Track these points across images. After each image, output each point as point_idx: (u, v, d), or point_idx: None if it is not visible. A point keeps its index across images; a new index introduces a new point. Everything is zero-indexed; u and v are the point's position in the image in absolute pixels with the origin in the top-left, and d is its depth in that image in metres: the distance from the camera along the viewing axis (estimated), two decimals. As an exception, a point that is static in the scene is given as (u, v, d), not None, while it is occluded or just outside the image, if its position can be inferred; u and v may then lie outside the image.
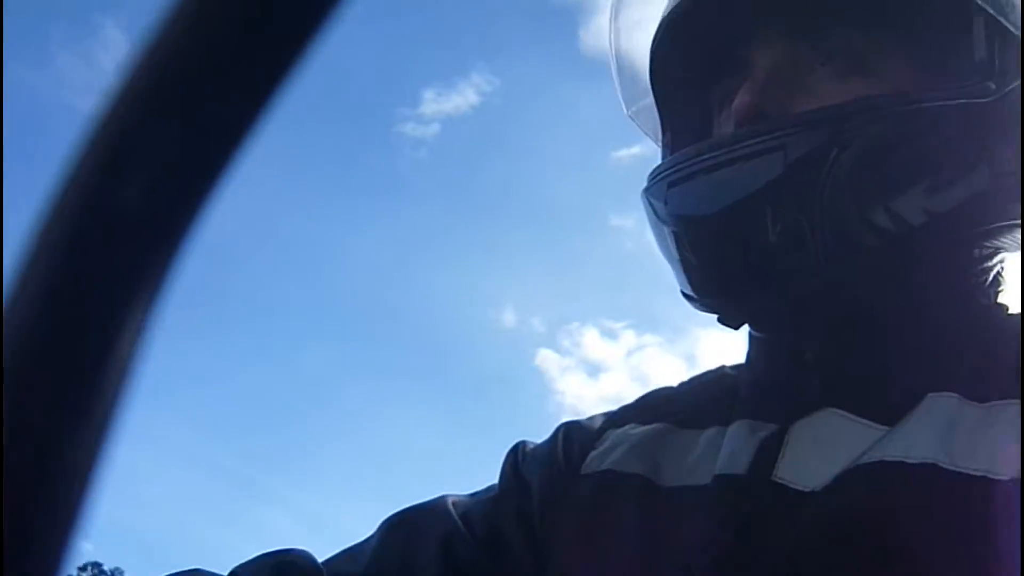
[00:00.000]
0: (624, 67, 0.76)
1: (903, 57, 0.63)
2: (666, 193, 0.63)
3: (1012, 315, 0.63)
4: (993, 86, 0.60)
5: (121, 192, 0.17)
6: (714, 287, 0.63)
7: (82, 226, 0.16)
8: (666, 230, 0.64)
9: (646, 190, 0.66)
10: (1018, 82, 0.62)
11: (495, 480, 0.76)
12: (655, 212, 0.65)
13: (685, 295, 0.66)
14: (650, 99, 0.73)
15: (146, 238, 0.17)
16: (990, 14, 0.61)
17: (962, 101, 0.59)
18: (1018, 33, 0.62)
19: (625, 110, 0.77)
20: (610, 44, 0.76)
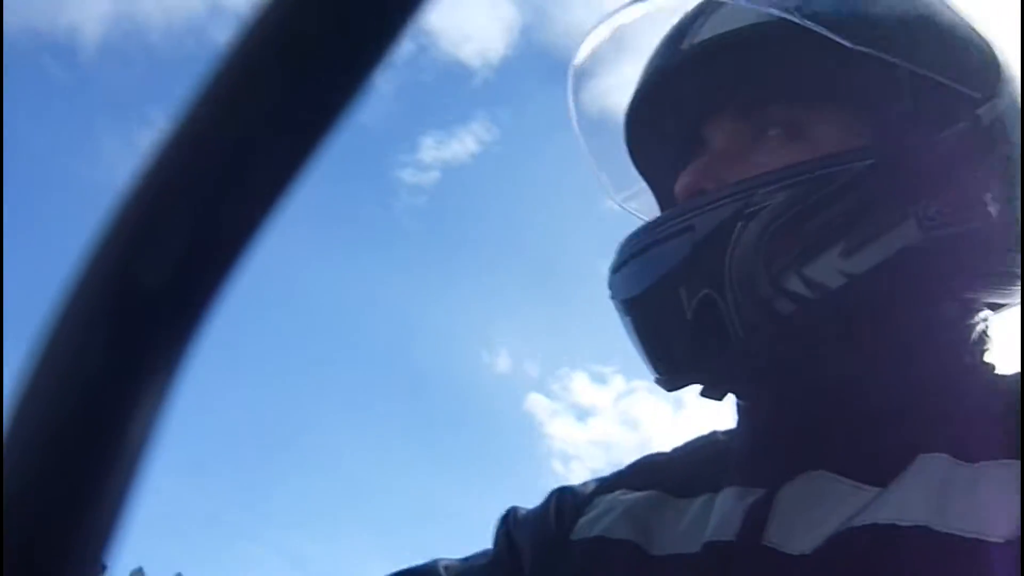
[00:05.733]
0: (605, 158, 0.77)
1: (839, 121, 0.63)
2: (610, 278, 0.66)
3: (999, 375, 0.63)
4: (918, 138, 0.61)
5: (142, 275, 0.17)
6: (658, 366, 0.64)
7: (103, 308, 0.17)
8: (618, 313, 0.66)
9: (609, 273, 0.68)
10: (952, 130, 0.61)
11: (485, 539, 0.75)
12: (611, 295, 0.67)
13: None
14: (638, 186, 0.75)
15: (166, 319, 0.17)
16: (915, 70, 0.62)
17: (869, 162, 0.59)
18: (950, 83, 0.62)
19: (614, 198, 0.78)
20: (582, 143, 0.77)
